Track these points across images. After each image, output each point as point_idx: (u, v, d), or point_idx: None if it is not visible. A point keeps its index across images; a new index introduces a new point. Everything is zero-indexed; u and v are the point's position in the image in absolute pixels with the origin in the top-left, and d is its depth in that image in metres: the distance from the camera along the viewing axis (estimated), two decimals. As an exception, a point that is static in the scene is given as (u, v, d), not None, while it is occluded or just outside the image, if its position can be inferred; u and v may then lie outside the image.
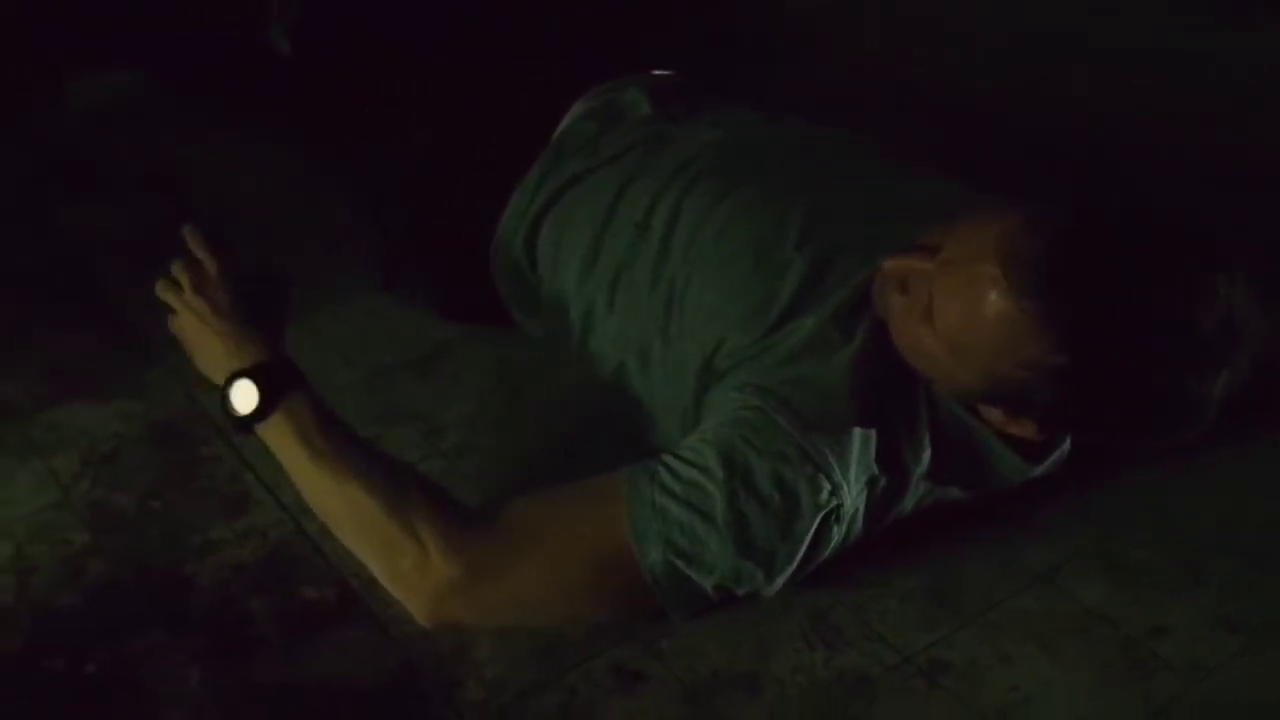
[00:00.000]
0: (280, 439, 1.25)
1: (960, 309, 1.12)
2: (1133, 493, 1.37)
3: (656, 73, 1.61)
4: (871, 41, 2.28)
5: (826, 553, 1.22)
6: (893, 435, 1.22)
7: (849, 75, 2.15)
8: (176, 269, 1.34)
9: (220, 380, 1.27)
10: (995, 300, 1.09)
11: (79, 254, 1.75)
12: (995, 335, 1.10)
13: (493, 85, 1.61)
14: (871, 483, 1.21)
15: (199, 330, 1.31)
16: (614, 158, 1.47)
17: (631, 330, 1.39)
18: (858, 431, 1.19)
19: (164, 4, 1.88)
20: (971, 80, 2.14)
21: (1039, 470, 1.29)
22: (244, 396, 1.25)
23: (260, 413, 1.24)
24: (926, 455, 1.23)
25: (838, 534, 1.21)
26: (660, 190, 1.40)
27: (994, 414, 1.21)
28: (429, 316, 1.62)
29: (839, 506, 1.19)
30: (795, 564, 1.20)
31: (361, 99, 1.63)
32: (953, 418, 1.24)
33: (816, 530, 1.19)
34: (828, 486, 1.18)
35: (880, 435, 1.20)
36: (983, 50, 2.23)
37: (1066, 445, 1.30)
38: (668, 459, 1.20)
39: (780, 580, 1.20)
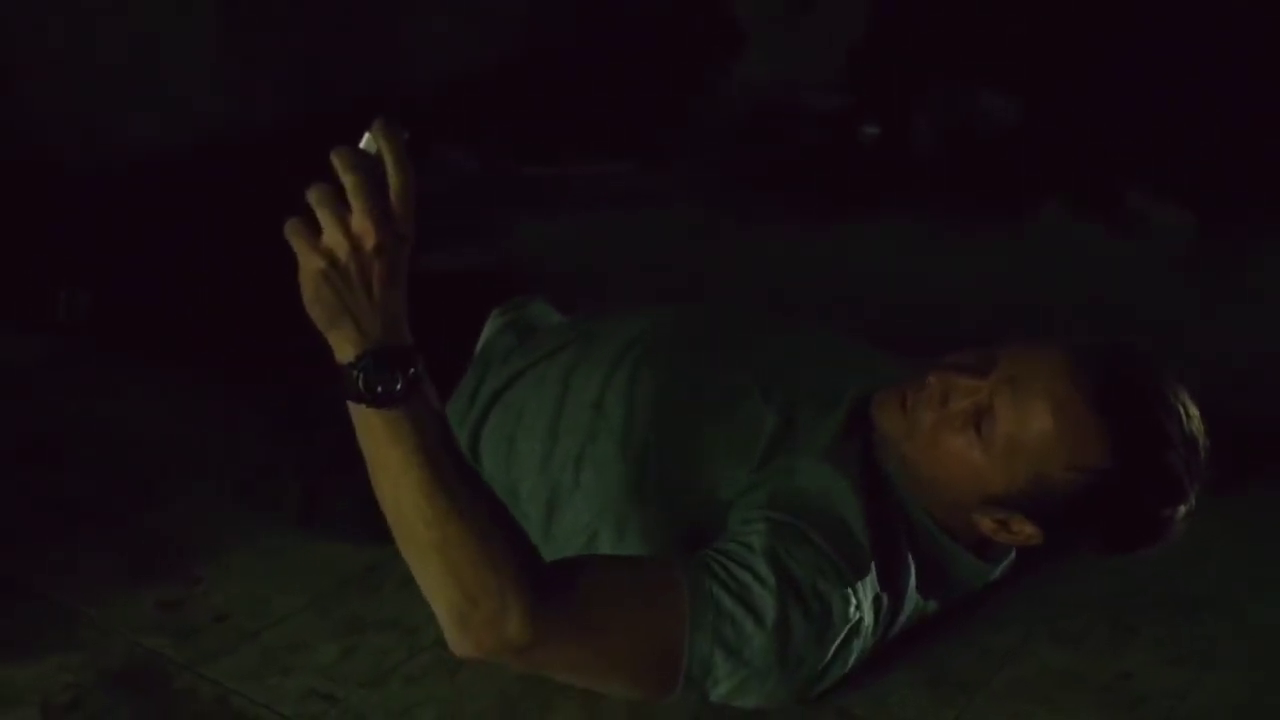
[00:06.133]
0: (391, 434, 1.16)
1: (1026, 417, 1.30)
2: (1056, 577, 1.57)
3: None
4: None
5: (847, 668, 1.34)
6: (890, 558, 1.37)
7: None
8: (362, 215, 1.12)
9: (353, 352, 1.15)
10: (1068, 410, 1.29)
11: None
12: (1059, 440, 1.29)
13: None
14: (877, 601, 1.35)
15: (353, 291, 1.14)
16: (552, 352, 1.59)
17: (603, 500, 1.47)
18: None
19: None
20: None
21: (996, 574, 1.48)
22: (381, 378, 1.15)
23: (389, 398, 1.15)
24: (913, 572, 1.39)
25: (857, 648, 1.34)
26: (609, 372, 1.52)
27: (985, 522, 1.37)
28: (349, 545, 1.61)
29: (860, 621, 1.33)
30: (816, 673, 1.32)
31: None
32: (924, 533, 1.41)
33: (840, 643, 1.32)
34: (854, 601, 1.31)
35: (880, 558, 1.35)
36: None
37: (1013, 554, 1.48)
38: (719, 556, 1.30)
39: (792, 687, 1.31)
